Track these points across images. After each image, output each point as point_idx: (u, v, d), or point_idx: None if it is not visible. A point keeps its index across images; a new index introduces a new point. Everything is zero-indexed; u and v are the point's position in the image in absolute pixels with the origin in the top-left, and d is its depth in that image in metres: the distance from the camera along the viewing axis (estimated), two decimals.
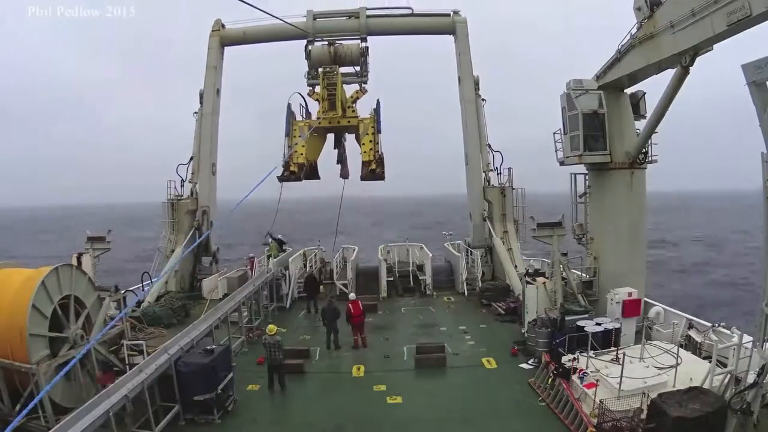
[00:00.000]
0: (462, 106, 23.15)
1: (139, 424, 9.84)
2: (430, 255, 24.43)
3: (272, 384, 12.80)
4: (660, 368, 10.96)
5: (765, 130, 8.50)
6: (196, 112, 23.45)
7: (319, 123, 20.86)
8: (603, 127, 15.63)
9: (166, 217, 23.85)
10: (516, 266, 21.30)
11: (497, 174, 24.44)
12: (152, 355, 10.57)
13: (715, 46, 11.52)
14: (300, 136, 20.58)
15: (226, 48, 23.14)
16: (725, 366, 10.33)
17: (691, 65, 12.53)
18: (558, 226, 16.16)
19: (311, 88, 21.80)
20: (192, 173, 24.20)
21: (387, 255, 25.72)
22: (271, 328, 13.30)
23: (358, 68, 22.54)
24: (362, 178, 21.35)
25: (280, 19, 16.89)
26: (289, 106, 21.10)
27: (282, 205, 21.20)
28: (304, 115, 21.64)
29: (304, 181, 21.41)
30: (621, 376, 10.05)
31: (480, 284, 22.36)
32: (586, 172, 17.01)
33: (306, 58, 22.01)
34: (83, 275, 11.89)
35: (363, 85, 22.41)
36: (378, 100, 21.28)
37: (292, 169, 20.55)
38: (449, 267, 25.60)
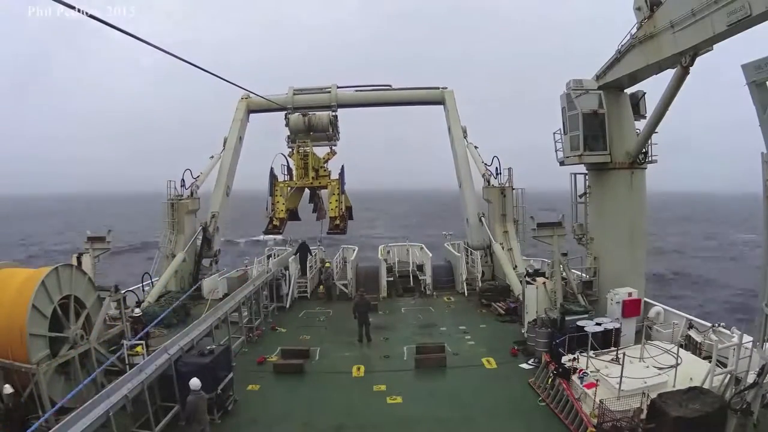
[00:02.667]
0: (452, 145, 25.63)
1: (139, 424, 9.84)
2: (430, 255, 24.45)
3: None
4: (660, 368, 10.95)
5: (765, 130, 8.50)
6: (212, 156, 25.96)
7: (296, 185, 25.20)
8: (603, 127, 15.63)
9: (167, 217, 23.92)
10: (516, 266, 21.31)
11: (496, 176, 24.55)
12: (152, 355, 10.57)
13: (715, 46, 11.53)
14: (281, 195, 24.61)
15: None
16: (725, 366, 10.33)
17: (691, 65, 12.54)
18: (558, 226, 16.16)
19: (291, 149, 25.56)
20: (196, 180, 25.30)
21: (387, 255, 25.73)
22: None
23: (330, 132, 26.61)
24: (327, 232, 24.86)
25: (262, 97, 21.53)
26: (272, 170, 24.77)
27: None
28: (286, 173, 25.43)
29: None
30: (621, 376, 10.05)
31: (480, 284, 22.37)
32: (586, 172, 17.01)
33: (286, 126, 26.08)
34: (83, 275, 11.88)
35: (333, 147, 26.51)
36: (342, 166, 25.38)
37: (275, 223, 24.09)
38: (449, 267, 25.60)
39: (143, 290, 21.18)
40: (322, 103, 26.14)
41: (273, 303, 20.15)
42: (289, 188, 25.13)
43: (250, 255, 27.74)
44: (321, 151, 26.07)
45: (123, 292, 14.47)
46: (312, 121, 25.80)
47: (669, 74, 13.38)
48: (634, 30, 13.26)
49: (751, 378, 8.85)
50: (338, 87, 26.26)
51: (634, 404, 9.57)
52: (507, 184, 24.05)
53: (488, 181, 24.61)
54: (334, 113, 26.16)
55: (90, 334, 11.41)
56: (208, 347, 11.65)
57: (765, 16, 9.07)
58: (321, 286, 23.56)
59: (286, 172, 25.51)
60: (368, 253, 36.19)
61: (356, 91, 26.70)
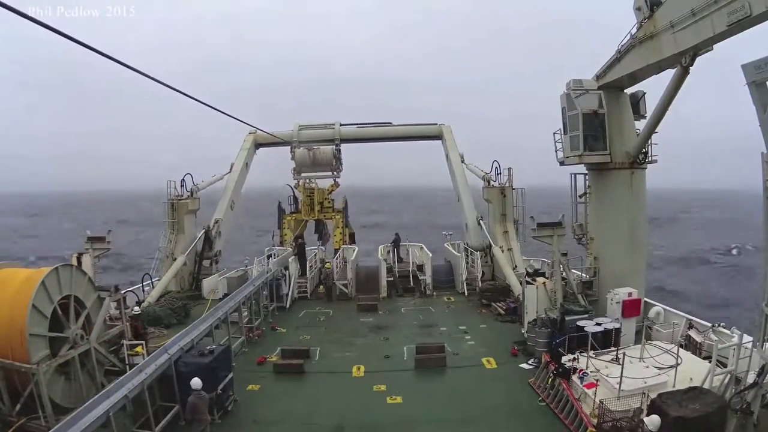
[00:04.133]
0: (451, 169, 26.73)
1: (139, 424, 9.84)
2: (430, 255, 24.45)
3: None
4: (660, 368, 10.96)
5: (765, 130, 8.50)
6: (214, 175, 27.08)
7: (303, 219, 27.96)
8: (603, 127, 15.62)
9: (166, 217, 23.95)
10: (516, 266, 21.30)
11: (497, 175, 24.67)
12: (152, 355, 10.56)
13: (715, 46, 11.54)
14: (288, 228, 27.30)
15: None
16: (725, 366, 10.33)
17: (691, 65, 12.55)
18: (558, 226, 16.15)
19: (297, 181, 28.28)
20: (196, 185, 25.75)
21: (387, 255, 25.71)
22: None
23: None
24: None
25: (269, 134, 24.03)
26: (279, 204, 28.13)
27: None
28: (292, 202, 28.21)
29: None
30: (621, 376, 10.05)
31: (480, 284, 22.37)
32: (586, 172, 17.00)
33: (291, 159, 27.82)
34: (83, 275, 11.88)
35: (336, 180, 28.63)
36: (345, 200, 28.45)
37: None
38: (449, 267, 25.60)
39: (143, 290, 21.20)
40: (325, 137, 27.68)
41: (273, 303, 20.14)
42: (295, 220, 27.49)
43: (250, 255, 27.76)
44: (324, 181, 28.65)
45: (123, 292, 14.47)
46: (316, 155, 27.68)
47: (669, 74, 13.39)
48: (634, 30, 13.26)
49: (751, 378, 8.85)
50: (341, 124, 27.94)
51: (634, 404, 9.57)
52: (507, 185, 24.10)
53: (488, 182, 24.67)
54: (337, 147, 27.76)
55: (90, 334, 11.41)
56: (208, 347, 11.66)
57: (765, 16, 9.06)
58: (321, 286, 23.57)
59: (292, 202, 28.03)
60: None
61: (358, 127, 28.46)
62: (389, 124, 28.51)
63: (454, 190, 26.82)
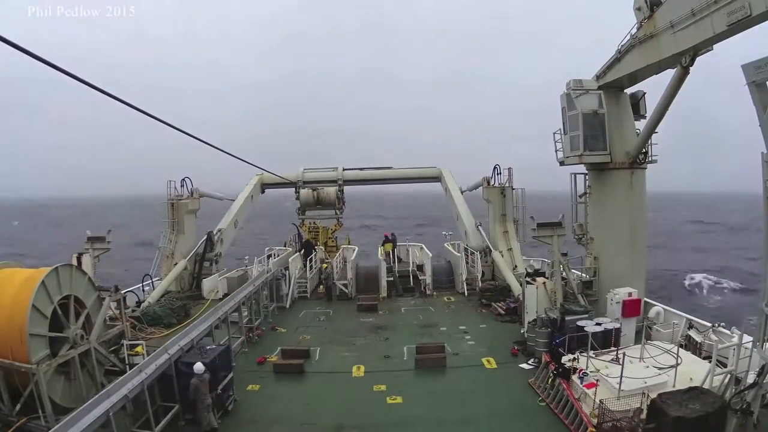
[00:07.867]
0: (451, 200, 27.23)
1: (139, 424, 9.84)
2: (430, 255, 24.46)
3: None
4: (660, 368, 10.96)
5: (765, 130, 8.51)
6: (220, 193, 28.50)
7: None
8: (603, 127, 15.62)
9: (166, 217, 23.96)
10: (516, 266, 21.27)
11: (497, 175, 24.75)
12: (152, 355, 10.55)
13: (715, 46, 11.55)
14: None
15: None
16: (725, 366, 10.34)
17: (691, 65, 12.54)
18: (558, 226, 16.15)
19: (301, 220, 29.99)
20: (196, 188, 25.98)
21: (386, 255, 25.67)
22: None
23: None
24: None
25: (278, 176, 25.42)
26: (285, 244, 29.57)
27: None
28: (297, 241, 28.94)
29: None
30: (621, 376, 10.05)
31: (480, 284, 22.37)
32: (586, 172, 17.01)
33: (296, 199, 29.23)
34: (83, 275, 11.88)
35: (339, 219, 30.24)
36: (349, 239, 31.02)
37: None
38: (449, 267, 25.61)
39: (143, 290, 21.22)
40: (329, 178, 28.78)
41: (273, 303, 20.13)
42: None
43: (250, 255, 27.81)
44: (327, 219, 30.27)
45: (123, 292, 14.48)
46: (320, 196, 29.21)
47: (669, 74, 13.39)
48: (634, 30, 13.28)
49: (751, 378, 8.86)
50: (344, 168, 28.96)
51: (634, 404, 9.56)
52: (507, 184, 24.12)
53: (488, 182, 24.70)
54: (340, 189, 29.00)
55: (90, 334, 11.41)
56: (208, 347, 11.66)
57: (765, 16, 9.08)
58: (321, 286, 23.57)
59: (297, 240, 28.59)
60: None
61: (360, 170, 29.63)
62: (389, 167, 29.65)
63: (452, 214, 27.34)
